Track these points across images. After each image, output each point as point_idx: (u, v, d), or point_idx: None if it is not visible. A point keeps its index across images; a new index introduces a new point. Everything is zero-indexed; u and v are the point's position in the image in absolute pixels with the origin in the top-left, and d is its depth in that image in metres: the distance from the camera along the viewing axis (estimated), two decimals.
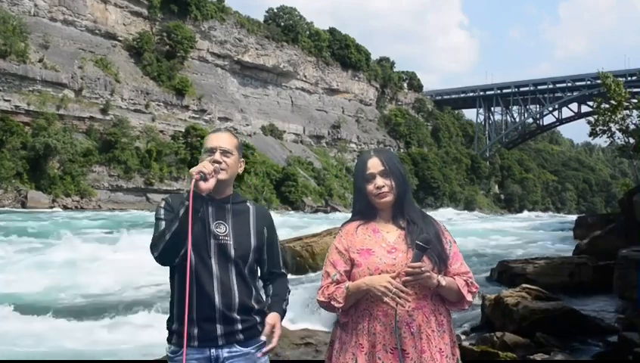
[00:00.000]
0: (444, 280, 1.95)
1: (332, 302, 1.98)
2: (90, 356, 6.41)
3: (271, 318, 2.15)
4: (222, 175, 2.12)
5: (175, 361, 2.05)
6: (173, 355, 2.07)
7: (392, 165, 2.08)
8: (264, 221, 2.23)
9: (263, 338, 2.14)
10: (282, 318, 2.20)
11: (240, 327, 2.08)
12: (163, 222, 2.07)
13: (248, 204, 2.24)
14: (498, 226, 31.00)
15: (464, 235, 20.47)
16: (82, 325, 7.73)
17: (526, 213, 70.87)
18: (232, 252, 2.10)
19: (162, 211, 2.13)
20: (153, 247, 2.03)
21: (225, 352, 2.06)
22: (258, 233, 2.19)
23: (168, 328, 2.12)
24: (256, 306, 2.14)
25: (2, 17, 45.49)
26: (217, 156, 2.14)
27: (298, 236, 13.30)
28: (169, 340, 2.11)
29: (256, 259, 2.19)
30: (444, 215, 42.68)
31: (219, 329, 2.05)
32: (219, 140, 2.18)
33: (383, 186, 2.05)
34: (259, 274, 2.24)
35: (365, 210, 2.11)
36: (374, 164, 2.08)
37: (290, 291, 2.29)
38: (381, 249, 2.01)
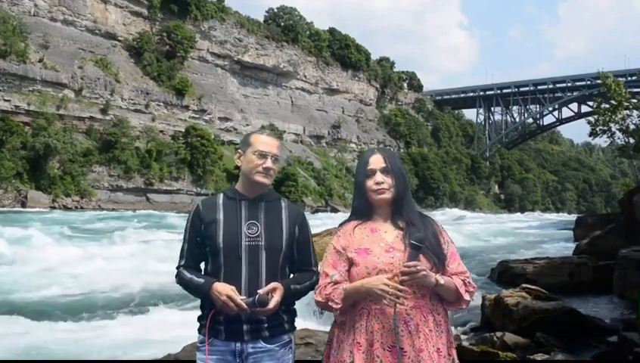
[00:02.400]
0: (442, 279, 1.96)
1: (330, 303, 1.99)
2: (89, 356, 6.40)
3: (275, 283, 2.09)
4: (268, 180, 2.18)
5: (201, 351, 2.14)
6: (201, 345, 2.15)
7: (393, 164, 2.09)
8: (296, 220, 2.22)
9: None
10: (286, 293, 2.11)
11: (266, 324, 2.11)
12: (186, 246, 2.19)
13: (281, 202, 2.24)
14: (497, 226, 30.96)
15: (464, 235, 20.48)
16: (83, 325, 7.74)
17: (531, 213, 70.45)
18: (263, 253, 2.12)
19: (188, 225, 2.20)
20: (180, 280, 2.19)
21: (249, 347, 2.10)
22: (290, 232, 2.19)
23: (199, 321, 2.20)
24: (282, 305, 2.15)
25: (2, 17, 45.47)
26: (269, 163, 2.17)
27: None
28: (199, 331, 2.19)
29: (287, 258, 2.19)
30: (454, 214, 42.64)
31: (245, 326, 2.09)
32: (272, 146, 2.20)
33: (383, 182, 2.05)
34: (288, 272, 2.22)
35: (363, 208, 2.11)
36: (376, 160, 2.09)
37: (311, 284, 2.18)
38: (379, 249, 2.01)
